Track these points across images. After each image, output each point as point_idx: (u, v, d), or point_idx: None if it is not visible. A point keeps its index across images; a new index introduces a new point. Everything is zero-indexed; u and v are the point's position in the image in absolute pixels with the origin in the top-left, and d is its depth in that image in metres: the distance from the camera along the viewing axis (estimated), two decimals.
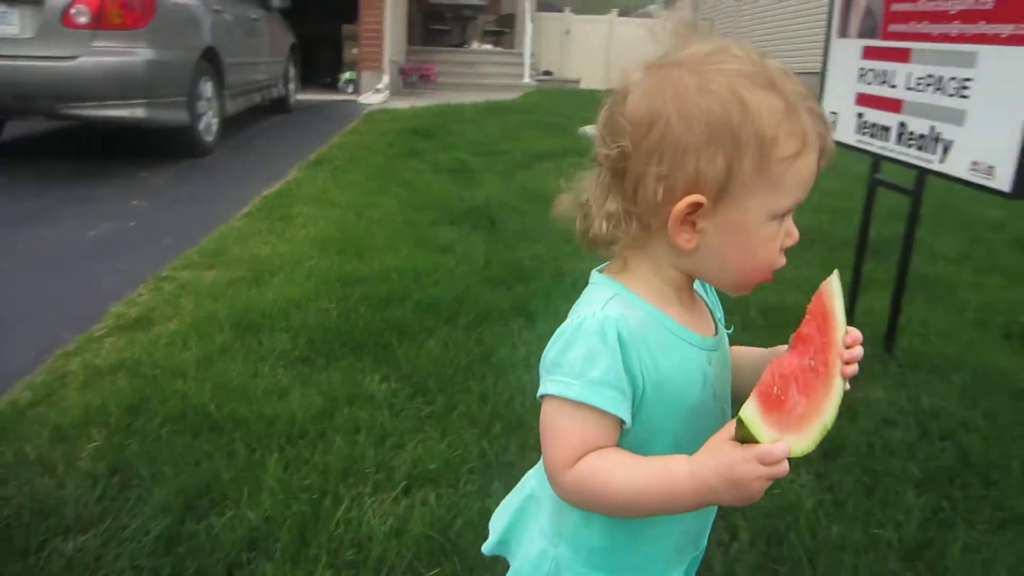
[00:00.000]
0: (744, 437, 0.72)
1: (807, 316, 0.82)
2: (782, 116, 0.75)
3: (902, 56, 2.70)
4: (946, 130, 2.49)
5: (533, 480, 1.03)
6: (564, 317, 0.85)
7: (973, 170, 2.36)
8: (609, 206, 0.83)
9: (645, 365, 0.81)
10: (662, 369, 0.82)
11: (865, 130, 2.96)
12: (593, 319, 0.81)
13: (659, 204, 0.78)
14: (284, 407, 2.36)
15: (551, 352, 0.83)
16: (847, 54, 3.06)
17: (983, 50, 2.30)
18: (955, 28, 2.41)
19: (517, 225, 4.63)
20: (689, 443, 0.80)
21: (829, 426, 0.74)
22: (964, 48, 2.38)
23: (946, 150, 2.49)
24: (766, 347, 0.96)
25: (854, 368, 0.79)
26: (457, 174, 6.29)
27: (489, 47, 17.72)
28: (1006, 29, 2.20)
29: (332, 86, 14.10)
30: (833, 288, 0.83)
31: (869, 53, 2.91)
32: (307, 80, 14.56)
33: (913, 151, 2.66)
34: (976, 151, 2.35)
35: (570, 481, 0.80)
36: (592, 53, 20.31)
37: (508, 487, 1.12)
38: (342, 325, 2.99)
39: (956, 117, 2.43)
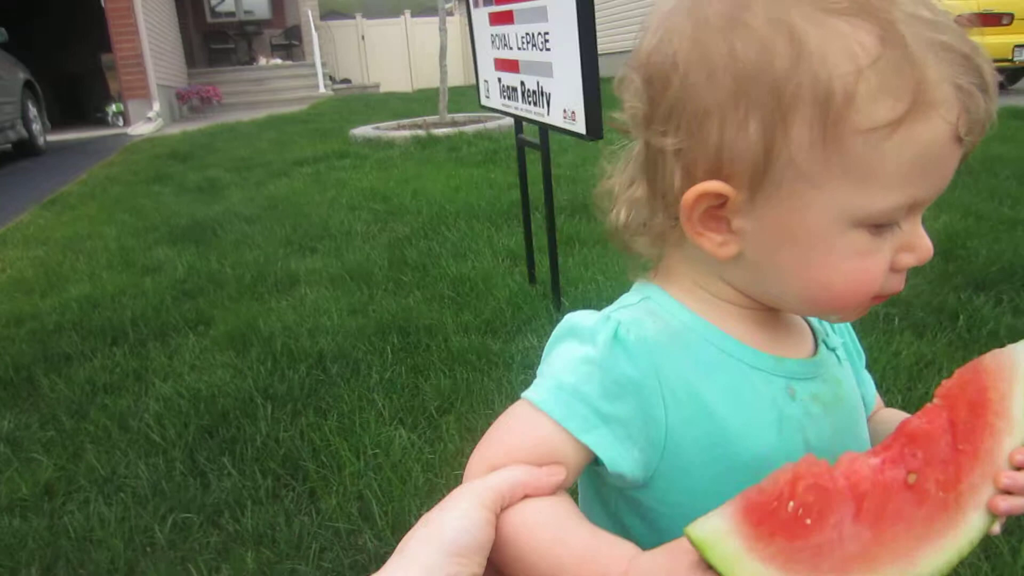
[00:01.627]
0: (710, 562, 0.47)
1: (941, 398, 0.53)
2: (872, 59, 0.48)
3: (509, 18, 2.80)
4: (546, 84, 2.61)
5: None
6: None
7: (564, 118, 2.49)
8: (635, 191, 0.62)
9: (671, 388, 0.57)
10: (703, 397, 0.57)
11: (505, 94, 3.06)
12: (591, 319, 0.61)
13: (679, 190, 0.56)
14: None
15: (555, 331, 0.64)
16: (481, 22, 3.16)
17: (549, 2, 2.42)
18: None
19: (239, 234, 4.48)
20: None
21: None
22: (539, 3, 2.49)
23: (548, 102, 2.61)
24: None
25: (1015, 504, 0.49)
26: (202, 192, 6.04)
27: (279, 61, 17.23)
28: None
29: (104, 120, 13.19)
30: (1015, 362, 0.52)
31: (493, 19, 3.01)
32: (73, 117, 13.57)
33: (533, 108, 2.77)
34: (564, 100, 2.47)
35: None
36: (392, 56, 20.28)
37: None
38: None
39: (548, 70, 2.55)
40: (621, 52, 16.54)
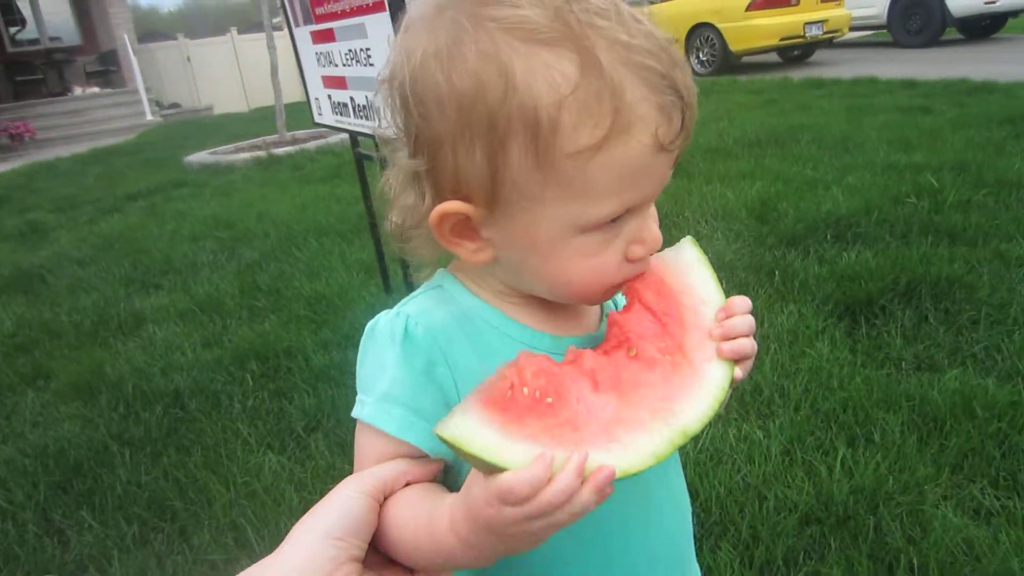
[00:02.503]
0: (483, 466, 0.50)
1: (625, 293, 0.63)
2: (572, 88, 0.52)
3: (331, 36, 2.84)
4: (375, 98, 2.67)
5: None
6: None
7: None
8: (406, 198, 0.64)
9: (460, 372, 0.62)
10: (462, 365, 0.63)
11: (337, 110, 3.09)
12: (384, 319, 0.65)
13: (426, 208, 0.60)
14: None
15: (361, 342, 0.67)
16: (304, 41, 3.17)
17: (367, 20, 2.48)
18: (347, 4, 2.58)
19: (72, 279, 4.23)
20: None
21: (694, 432, 0.54)
22: (357, 21, 2.55)
23: (380, 115, 2.67)
24: None
25: (740, 345, 0.59)
26: (24, 238, 5.61)
27: (97, 89, 16.12)
28: (369, 0, 2.39)
29: None
30: (683, 258, 0.64)
31: (315, 38, 3.03)
32: None
33: (366, 121, 2.82)
34: None
35: None
36: (223, 76, 19.47)
37: None
38: None
39: (374, 85, 2.61)
40: None
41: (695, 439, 1.93)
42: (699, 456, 1.92)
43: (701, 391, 0.56)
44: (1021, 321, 2.41)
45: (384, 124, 0.64)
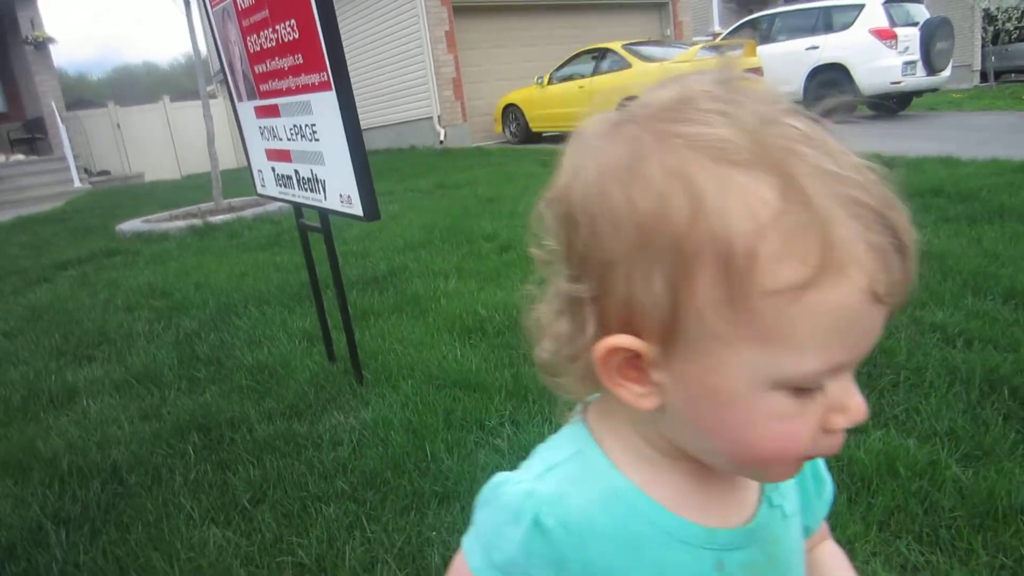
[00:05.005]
0: None
1: None
2: (773, 216, 0.45)
3: (275, 112, 2.93)
4: (319, 171, 2.75)
5: None
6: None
7: (342, 202, 2.64)
8: (560, 326, 0.56)
9: (596, 569, 0.55)
10: (600, 565, 0.55)
11: (281, 182, 3.16)
12: (511, 493, 0.56)
13: (591, 339, 0.53)
14: None
15: (483, 488, 0.60)
16: (248, 115, 3.25)
17: (312, 98, 2.59)
18: (293, 82, 2.68)
19: (0, 352, 4.09)
20: None
21: None
22: (302, 98, 2.65)
23: (324, 188, 2.76)
24: None
25: None
26: None
27: (21, 157, 15.74)
28: (315, 79, 2.50)
29: None
30: None
31: (259, 113, 3.12)
32: None
33: (310, 194, 2.90)
34: (339, 185, 2.63)
35: None
36: (154, 143, 19.30)
37: None
38: None
39: (319, 159, 2.71)
40: (384, 126, 16.91)
41: None
42: None
43: None
44: (936, 384, 2.58)
45: (541, 245, 0.56)
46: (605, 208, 0.49)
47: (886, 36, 11.77)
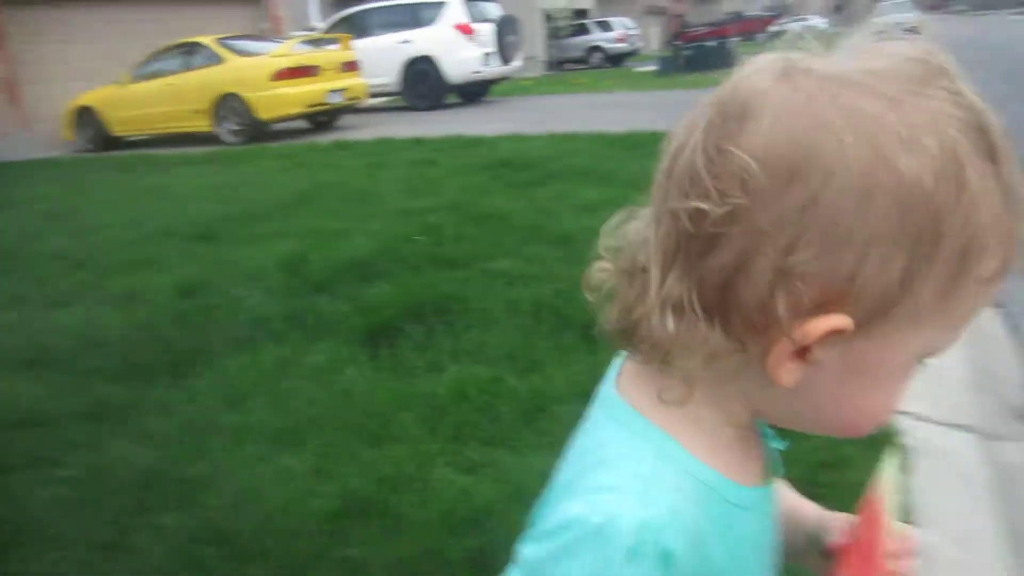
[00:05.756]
0: None
1: (863, 512, 0.62)
2: (999, 211, 0.45)
3: None
4: None
5: None
6: None
7: None
8: (671, 288, 0.48)
9: (715, 570, 0.51)
10: (714, 560, 0.50)
11: None
12: (628, 524, 0.46)
13: (770, 312, 0.46)
14: None
15: (534, 547, 0.48)
16: None
17: None
18: None
19: None
20: None
21: None
22: None
23: None
24: None
25: None
26: None
27: None
28: None
29: None
30: (884, 478, 0.63)
31: None
32: None
33: None
34: None
35: None
36: None
37: None
38: None
39: None
40: None
41: None
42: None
43: None
44: (500, 318, 3.03)
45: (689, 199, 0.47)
46: (861, 171, 0.43)
47: (467, 31, 13.11)
